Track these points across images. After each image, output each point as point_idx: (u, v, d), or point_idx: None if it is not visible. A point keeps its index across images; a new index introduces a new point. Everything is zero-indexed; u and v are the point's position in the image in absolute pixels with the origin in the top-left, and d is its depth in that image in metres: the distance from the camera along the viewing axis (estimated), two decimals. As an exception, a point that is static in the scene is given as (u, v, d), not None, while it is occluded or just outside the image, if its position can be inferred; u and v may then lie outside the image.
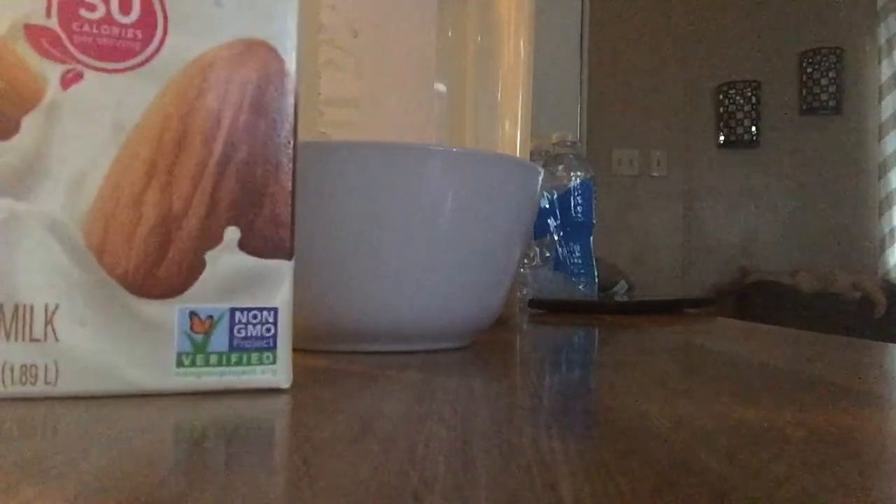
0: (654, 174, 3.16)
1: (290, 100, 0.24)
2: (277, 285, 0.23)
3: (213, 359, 0.23)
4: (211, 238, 0.23)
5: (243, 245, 0.23)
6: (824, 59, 3.10)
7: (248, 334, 0.23)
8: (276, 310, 0.23)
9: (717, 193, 3.18)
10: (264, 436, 0.17)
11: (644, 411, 0.20)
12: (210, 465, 0.14)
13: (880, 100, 3.12)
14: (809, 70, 3.13)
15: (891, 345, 0.41)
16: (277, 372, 0.23)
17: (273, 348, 0.23)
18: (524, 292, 0.75)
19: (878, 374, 0.29)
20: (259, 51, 0.23)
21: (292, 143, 0.24)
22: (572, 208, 0.83)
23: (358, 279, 0.32)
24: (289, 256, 0.24)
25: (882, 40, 3.11)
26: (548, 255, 0.82)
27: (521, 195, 0.35)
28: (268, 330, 0.23)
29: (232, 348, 0.23)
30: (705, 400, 0.22)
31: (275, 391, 0.23)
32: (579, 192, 0.83)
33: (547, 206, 0.82)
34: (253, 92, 0.23)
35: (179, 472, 0.14)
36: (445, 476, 0.14)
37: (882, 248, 3.09)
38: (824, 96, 3.11)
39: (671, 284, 3.11)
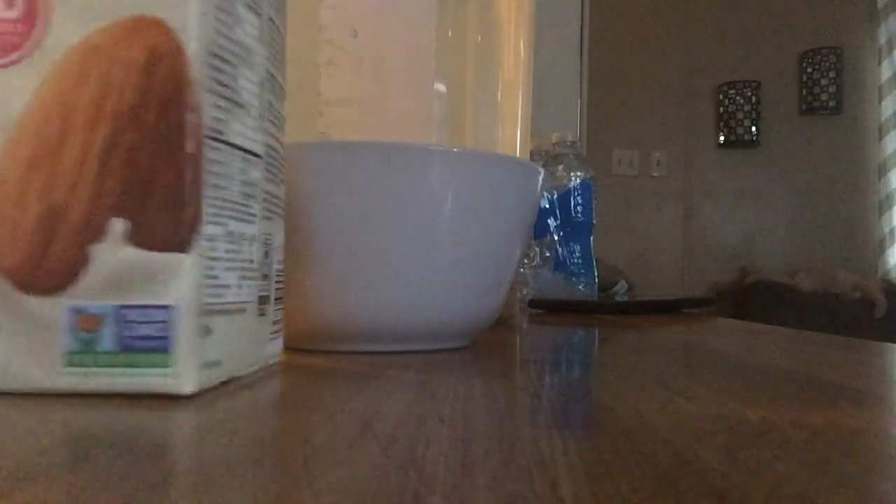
0: (654, 174, 3.16)
1: (187, 79, 0.21)
2: (172, 281, 0.21)
3: (103, 359, 0.21)
4: (96, 230, 0.21)
5: (132, 237, 0.21)
6: (824, 59, 3.11)
7: (140, 334, 0.21)
8: (170, 307, 0.21)
9: (717, 193, 3.18)
10: (264, 435, 0.17)
11: (644, 411, 0.20)
12: (209, 466, 0.14)
13: (880, 100, 3.12)
14: (809, 70, 3.13)
15: (891, 345, 0.41)
16: (177, 376, 0.21)
17: (168, 350, 0.21)
18: (524, 292, 0.75)
19: (878, 374, 0.29)
20: (149, 29, 0.21)
21: (191, 126, 0.22)
22: (572, 208, 0.83)
23: (358, 279, 0.32)
24: (185, 249, 0.21)
25: (882, 40, 3.11)
26: (548, 255, 0.82)
27: (521, 195, 0.35)
28: (162, 329, 0.21)
29: (122, 348, 0.21)
30: (705, 400, 0.22)
31: (274, 391, 0.23)
32: (579, 192, 0.83)
33: (547, 206, 0.82)
34: (138, 73, 0.21)
35: (180, 472, 0.14)
36: (445, 476, 0.14)
37: (882, 248, 3.09)
38: (824, 96, 3.11)
39: (671, 284, 3.11)
